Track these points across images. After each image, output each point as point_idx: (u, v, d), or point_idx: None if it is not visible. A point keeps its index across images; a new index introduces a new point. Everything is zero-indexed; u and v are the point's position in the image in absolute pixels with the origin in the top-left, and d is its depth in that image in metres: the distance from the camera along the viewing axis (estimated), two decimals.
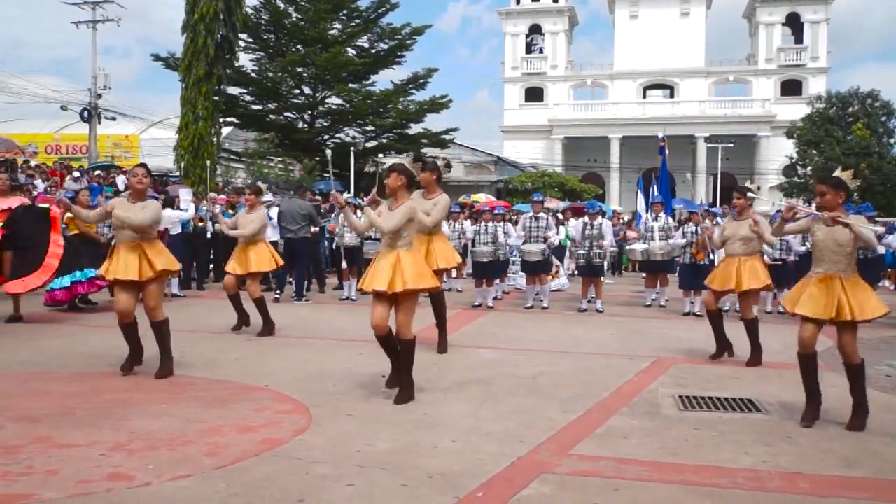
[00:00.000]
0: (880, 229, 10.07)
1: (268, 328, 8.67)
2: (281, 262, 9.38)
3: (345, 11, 32.93)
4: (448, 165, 8.68)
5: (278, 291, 12.13)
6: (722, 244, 7.80)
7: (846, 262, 5.17)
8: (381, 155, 33.95)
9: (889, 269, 17.16)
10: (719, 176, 41.98)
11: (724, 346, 7.69)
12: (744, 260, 7.59)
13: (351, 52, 32.62)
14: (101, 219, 7.03)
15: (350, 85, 32.10)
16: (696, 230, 11.39)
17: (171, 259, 6.58)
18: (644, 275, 13.74)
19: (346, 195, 13.57)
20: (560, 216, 17.20)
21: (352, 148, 31.36)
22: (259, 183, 10.16)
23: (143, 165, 6.89)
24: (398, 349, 5.77)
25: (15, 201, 9.49)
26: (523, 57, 53.94)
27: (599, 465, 4.29)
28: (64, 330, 8.80)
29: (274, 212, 13.38)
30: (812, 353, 5.30)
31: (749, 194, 7.82)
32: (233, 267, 8.71)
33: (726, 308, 11.65)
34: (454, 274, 14.46)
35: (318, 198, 14.38)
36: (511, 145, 52.22)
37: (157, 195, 14.72)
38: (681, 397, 5.91)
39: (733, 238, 7.64)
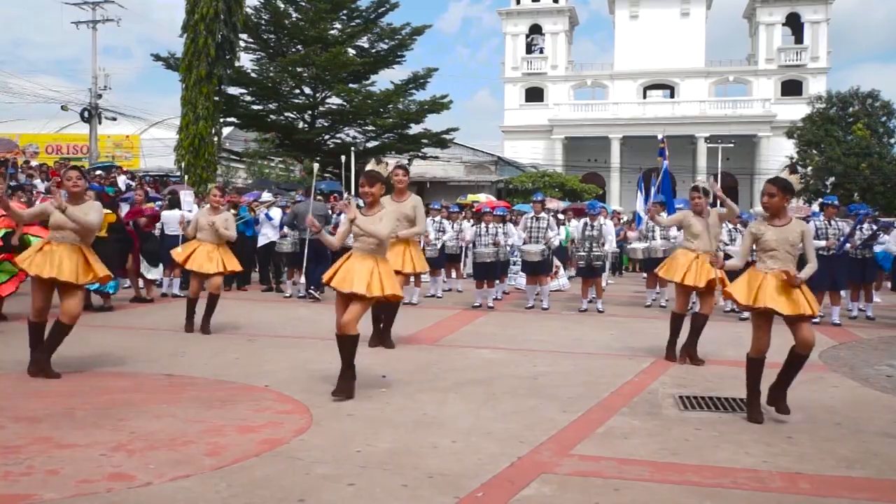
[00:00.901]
0: (821, 243, 10.27)
1: (208, 326, 8.70)
2: (240, 268, 9.42)
3: (345, 11, 32.91)
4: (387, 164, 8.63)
5: (317, 292, 12.22)
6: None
7: (794, 260, 5.34)
8: (381, 156, 33.95)
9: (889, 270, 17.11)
10: (719, 176, 41.97)
11: (675, 349, 7.63)
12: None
13: (351, 52, 32.59)
14: (35, 218, 6.79)
15: (350, 85, 32.09)
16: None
17: (102, 266, 6.51)
18: (644, 275, 13.75)
19: (346, 196, 13.60)
20: (561, 216, 17.19)
21: (352, 148, 31.36)
22: (224, 182, 10.21)
23: (76, 168, 6.76)
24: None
25: None
26: (523, 57, 53.94)
27: (600, 465, 4.29)
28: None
29: (274, 212, 13.41)
30: (764, 359, 5.41)
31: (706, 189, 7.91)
32: (205, 266, 8.63)
33: (728, 309, 11.71)
34: (454, 274, 14.47)
35: (320, 198, 14.36)
36: (511, 145, 52.21)
37: (160, 196, 14.74)
38: (681, 397, 5.92)
39: (702, 235, 7.64)
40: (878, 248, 11.57)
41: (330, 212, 12.55)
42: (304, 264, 11.82)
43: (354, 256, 5.87)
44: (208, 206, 9.03)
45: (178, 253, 8.97)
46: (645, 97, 52.39)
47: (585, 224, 11.77)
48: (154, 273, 11.38)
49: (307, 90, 33.20)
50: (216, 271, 8.66)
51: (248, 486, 3.81)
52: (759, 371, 5.41)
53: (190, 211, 12.84)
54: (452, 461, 4.28)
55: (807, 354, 5.34)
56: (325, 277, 6.01)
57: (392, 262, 7.47)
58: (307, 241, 12.26)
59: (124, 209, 11.75)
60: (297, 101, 33.39)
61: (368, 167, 6.12)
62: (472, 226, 13.56)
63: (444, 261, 13.70)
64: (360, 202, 6.63)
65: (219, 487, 3.79)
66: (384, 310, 7.84)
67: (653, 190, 14.89)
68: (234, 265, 8.90)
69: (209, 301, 8.71)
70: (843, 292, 11.30)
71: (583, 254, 11.56)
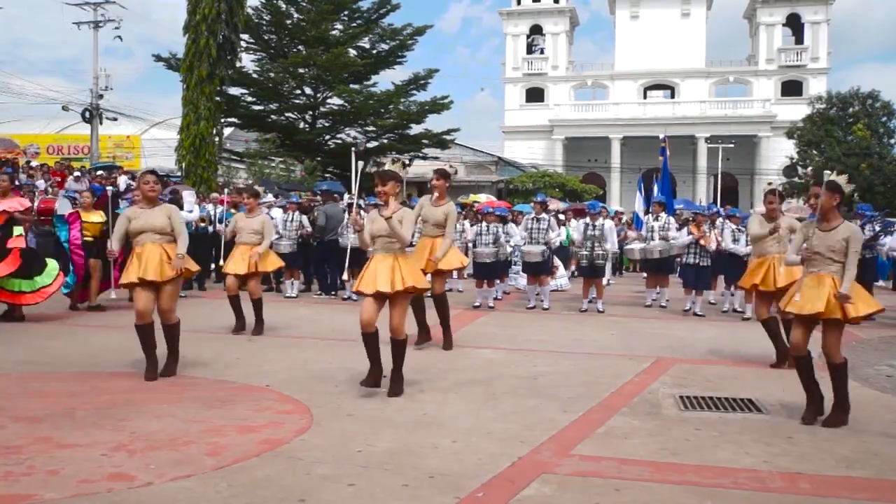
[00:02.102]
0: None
1: (260, 327, 8.79)
2: (283, 263, 9.67)
3: (346, 12, 32.93)
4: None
5: (319, 292, 13.08)
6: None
7: (838, 266, 5.19)
8: (382, 156, 33.98)
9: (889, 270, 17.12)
10: (719, 176, 42.00)
11: (785, 355, 7.27)
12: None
13: (352, 52, 32.62)
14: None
15: (351, 85, 32.10)
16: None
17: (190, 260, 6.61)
18: (645, 275, 13.76)
19: (347, 197, 13.61)
20: (562, 217, 17.18)
21: (353, 149, 31.36)
22: (256, 186, 10.29)
23: (153, 172, 6.90)
24: (378, 350, 5.86)
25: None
26: (524, 57, 53.94)
27: (600, 465, 4.29)
28: (64, 330, 8.80)
29: (275, 213, 13.43)
30: (804, 356, 5.35)
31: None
32: (234, 268, 8.77)
33: (725, 309, 11.73)
34: (455, 275, 14.46)
35: (319, 198, 14.36)
36: (511, 146, 52.21)
37: (161, 197, 14.75)
38: (681, 397, 5.92)
39: (770, 240, 7.56)
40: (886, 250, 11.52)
41: (345, 215, 12.65)
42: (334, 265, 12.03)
43: (375, 258, 5.90)
44: (245, 210, 9.18)
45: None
46: (645, 97, 52.40)
47: (586, 224, 11.77)
48: None
49: (308, 90, 33.22)
50: (245, 272, 8.76)
51: (248, 486, 3.81)
52: (801, 369, 5.34)
53: (191, 212, 12.85)
54: (453, 461, 4.28)
55: (830, 361, 5.26)
56: (354, 287, 6.11)
57: (419, 260, 7.52)
58: (330, 243, 12.48)
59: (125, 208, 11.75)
60: (297, 101, 33.42)
61: (386, 166, 6.14)
62: (472, 225, 13.56)
63: None
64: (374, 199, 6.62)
65: (219, 487, 3.79)
66: (438, 309, 8.08)
67: (655, 189, 14.91)
68: (267, 265, 9.01)
69: (253, 306, 8.82)
70: None
71: (585, 253, 11.56)
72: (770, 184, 8.41)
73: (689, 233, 11.64)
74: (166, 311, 6.41)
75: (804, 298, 5.25)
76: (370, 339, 5.84)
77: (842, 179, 5.35)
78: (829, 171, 5.47)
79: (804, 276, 5.38)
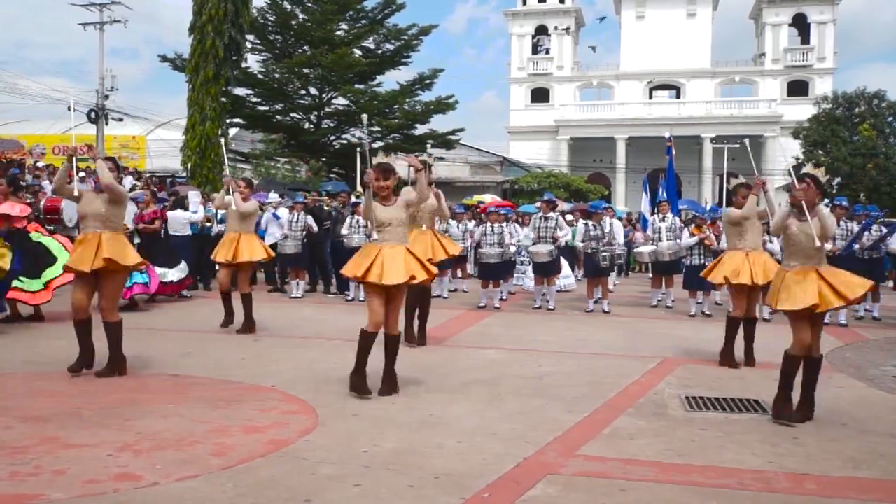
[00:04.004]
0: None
1: (248, 326, 8.74)
2: (272, 255, 9.75)
3: (351, 12, 32.91)
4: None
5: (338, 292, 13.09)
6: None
7: (818, 255, 5.26)
8: (388, 155, 33.93)
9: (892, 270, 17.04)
10: (725, 176, 41.90)
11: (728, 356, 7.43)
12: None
13: (357, 52, 32.61)
14: None
15: (356, 86, 32.09)
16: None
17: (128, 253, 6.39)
18: (650, 275, 13.74)
19: (352, 197, 13.67)
20: (570, 217, 17.14)
21: (358, 149, 31.35)
22: (252, 178, 10.37)
23: (111, 159, 6.93)
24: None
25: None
26: (529, 58, 53.92)
27: (606, 465, 4.29)
28: (67, 330, 8.78)
29: (281, 212, 13.45)
30: (810, 357, 5.34)
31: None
32: (224, 256, 8.68)
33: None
34: (460, 274, 14.45)
35: (324, 199, 14.41)
36: (517, 146, 52.17)
37: (166, 198, 14.78)
38: (687, 398, 5.91)
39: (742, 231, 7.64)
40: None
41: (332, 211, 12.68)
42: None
43: (385, 248, 5.79)
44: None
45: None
46: (651, 97, 52.31)
47: (586, 224, 11.79)
48: (172, 274, 11.37)
49: (313, 91, 33.22)
50: (221, 261, 8.74)
51: (254, 487, 3.82)
52: (795, 369, 5.36)
53: (195, 212, 12.87)
54: (458, 461, 4.28)
55: (811, 355, 5.31)
56: (351, 273, 5.92)
57: (420, 253, 7.52)
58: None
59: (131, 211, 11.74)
60: (303, 101, 33.42)
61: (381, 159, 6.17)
62: (477, 226, 13.55)
63: (450, 261, 13.67)
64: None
65: (225, 487, 3.80)
66: (419, 302, 8.07)
67: (660, 189, 14.89)
68: (244, 254, 8.68)
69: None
70: None
71: (587, 253, 11.56)
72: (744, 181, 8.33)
73: (691, 234, 11.62)
74: (104, 309, 6.50)
75: (794, 294, 5.23)
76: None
77: (819, 172, 5.42)
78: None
79: (786, 273, 5.36)
